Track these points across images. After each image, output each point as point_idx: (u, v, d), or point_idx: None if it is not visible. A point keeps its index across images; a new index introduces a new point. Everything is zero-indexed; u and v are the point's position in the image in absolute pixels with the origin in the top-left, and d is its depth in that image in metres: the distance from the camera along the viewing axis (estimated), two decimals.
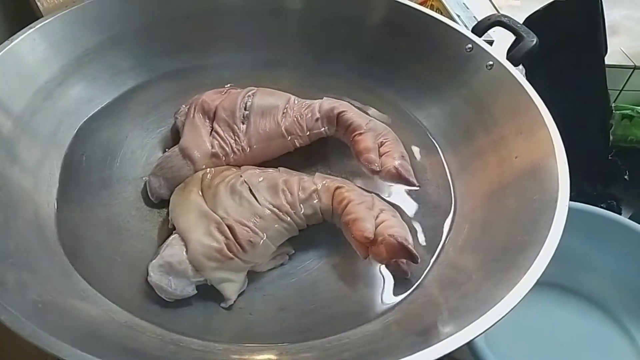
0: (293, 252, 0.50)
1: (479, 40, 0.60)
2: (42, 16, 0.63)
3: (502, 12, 0.94)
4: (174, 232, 0.47)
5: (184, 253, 0.45)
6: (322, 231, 0.51)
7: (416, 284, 0.47)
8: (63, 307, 0.39)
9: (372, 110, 0.64)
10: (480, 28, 0.61)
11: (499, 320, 0.37)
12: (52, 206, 0.49)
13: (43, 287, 0.39)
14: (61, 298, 0.40)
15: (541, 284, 0.40)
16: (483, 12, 0.89)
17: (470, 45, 0.60)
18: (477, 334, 0.37)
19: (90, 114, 0.58)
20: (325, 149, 0.60)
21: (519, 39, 0.60)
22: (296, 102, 0.60)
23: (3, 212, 0.44)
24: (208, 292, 0.45)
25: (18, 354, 0.54)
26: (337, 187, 0.51)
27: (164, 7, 0.64)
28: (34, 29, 0.53)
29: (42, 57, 0.55)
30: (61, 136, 0.55)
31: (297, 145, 0.57)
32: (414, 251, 0.46)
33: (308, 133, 0.58)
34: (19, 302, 0.34)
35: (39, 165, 0.51)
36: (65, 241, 0.47)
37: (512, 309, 0.38)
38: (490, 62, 0.58)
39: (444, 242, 0.51)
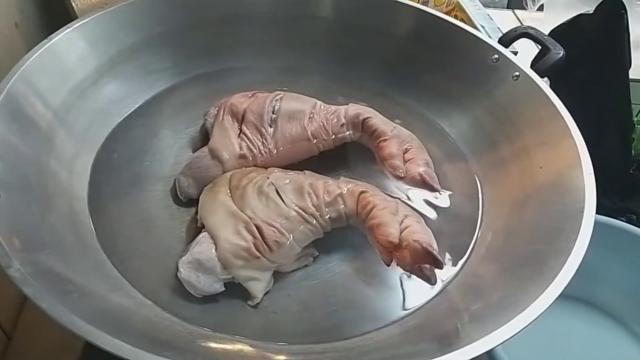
0: (317, 254, 0.51)
1: (506, 51, 0.60)
2: (77, 17, 0.65)
3: (525, 23, 0.94)
4: (203, 230, 0.48)
5: (213, 251, 0.46)
6: (345, 235, 0.52)
7: (439, 290, 0.48)
8: (97, 298, 0.40)
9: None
10: (507, 39, 0.62)
11: (522, 329, 0.38)
12: (84, 201, 0.51)
13: (78, 278, 0.40)
14: (95, 289, 0.41)
15: None
16: (506, 23, 0.89)
17: (496, 56, 0.61)
18: (500, 342, 0.37)
19: (122, 114, 0.60)
20: (349, 154, 0.61)
21: (545, 51, 0.60)
22: (322, 107, 0.61)
23: (39, 205, 0.45)
24: (234, 290, 0.46)
25: (46, 336, 0.55)
26: (362, 192, 0.52)
27: (196, 12, 0.65)
28: (71, 28, 0.55)
29: (78, 56, 0.56)
30: (93, 134, 0.56)
31: (322, 149, 0.58)
32: (439, 257, 0.46)
33: (333, 137, 0.59)
34: (57, 291, 0.35)
35: (73, 161, 0.52)
36: (98, 235, 0.48)
37: (535, 319, 0.38)
38: (517, 73, 0.58)
39: (469, 250, 0.51)
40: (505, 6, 1.10)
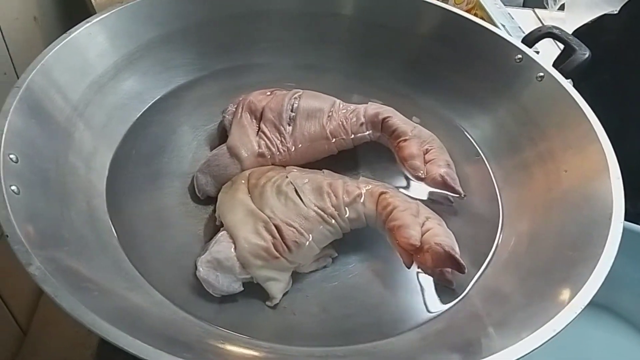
0: (336, 255, 0.50)
1: (530, 51, 0.59)
2: (95, 11, 0.65)
3: (545, 23, 0.93)
4: (221, 228, 0.48)
5: (232, 250, 0.45)
6: (364, 236, 0.51)
7: (462, 296, 0.47)
8: (116, 296, 0.40)
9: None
10: (531, 39, 0.61)
11: (549, 339, 0.37)
12: (102, 197, 0.50)
13: (97, 275, 0.40)
14: (114, 287, 0.41)
15: None
16: (526, 22, 0.88)
17: (520, 56, 0.59)
18: (525, 353, 0.36)
19: (140, 109, 0.60)
20: (368, 154, 0.60)
21: (569, 51, 0.59)
22: (341, 106, 0.60)
23: (58, 201, 0.44)
24: (253, 290, 0.45)
25: (61, 331, 0.55)
26: (382, 193, 0.51)
27: (215, 8, 0.64)
28: (91, 22, 0.54)
29: (97, 51, 0.56)
30: (112, 129, 0.56)
31: (341, 148, 0.58)
32: (461, 261, 0.45)
33: (352, 137, 0.58)
34: (78, 290, 0.35)
35: (91, 156, 0.52)
36: (116, 232, 0.48)
37: (563, 329, 0.37)
38: (541, 74, 0.57)
39: (491, 254, 0.50)
40: (522, 5, 1.09)
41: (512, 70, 0.60)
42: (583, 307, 0.38)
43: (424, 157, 0.57)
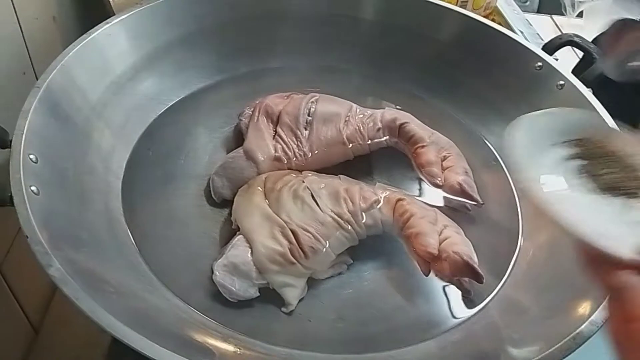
0: (351, 262, 0.50)
1: (550, 59, 0.59)
2: (113, 12, 0.65)
3: (564, 30, 0.92)
4: (238, 232, 0.47)
5: (249, 255, 0.45)
6: (380, 242, 0.50)
7: (480, 306, 0.46)
8: (134, 299, 0.40)
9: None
10: (551, 47, 0.60)
11: (568, 354, 0.36)
12: (119, 198, 0.50)
13: (114, 277, 0.40)
14: (131, 289, 0.41)
15: None
16: (544, 29, 0.87)
17: (540, 64, 0.59)
18: None
19: (157, 111, 0.60)
20: (383, 159, 0.59)
21: (590, 60, 0.58)
22: (358, 110, 0.60)
23: (76, 202, 0.44)
24: (268, 296, 0.45)
25: (73, 330, 0.55)
26: (399, 199, 0.50)
27: (233, 10, 0.64)
28: (111, 23, 0.55)
29: (116, 52, 0.56)
30: (129, 130, 0.56)
31: (357, 153, 0.57)
32: (480, 270, 0.45)
33: (369, 142, 0.58)
34: (96, 292, 0.35)
35: (109, 157, 0.52)
36: (132, 234, 0.48)
37: (583, 343, 0.37)
38: (562, 82, 0.57)
39: (510, 264, 0.50)
40: (536, 10, 1.08)
41: (532, 78, 0.59)
42: (604, 321, 0.37)
43: (442, 164, 0.56)
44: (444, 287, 0.48)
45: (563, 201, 0.31)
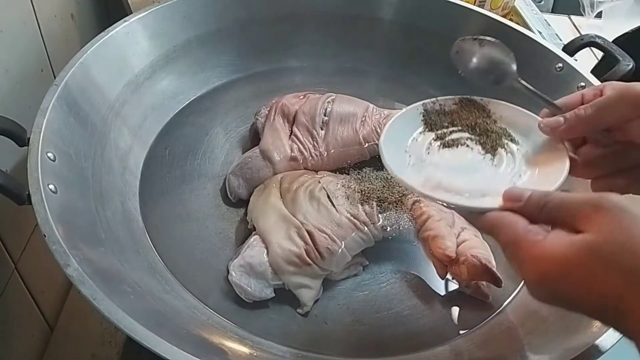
0: (367, 263, 0.49)
1: (571, 60, 0.58)
2: (131, 10, 0.65)
3: (582, 31, 0.91)
4: (254, 232, 0.47)
5: (265, 255, 0.45)
6: (397, 244, 0.50)
7: (498, 310, 0.46)
8: (151, 299, 0.40)
9: None
10: (572, 48, 0.59)
11: None
12: (136, 197, 0.50)
13: (132, 277, 0.40)
14: (149, 289, 0.41)
15: None
16: (562, 29, 0.86)
17: (560, 65, 0.58)
18: None
19: (175, 110, 0.60)
20: None
21: (613, 61, 0.57)
22: (375, 110, 0.59)
23: (94, 201, 0.44)
24: (284, 297, 0.45)
25: (88, 327, 0.55)
26: (415, 201, 0.50)
27: (252, 10, 0.64)
28: (129, 21, 0.55)
29: (134, 50, 0.56)
30: (147, 129, 0.56)
31: (373, 154, 0.57)
32: (498, 274, 0.44)
33: None
34: (114, 292, 0.34)
35: (126, 156, 0.52)
36: (149, 233, 0.48)
37: (605, 352, 0.36)
38: (582, 84, 0.56)
39: None
40: (550, 10, 1.06)
41: (553, 79, 0.58)
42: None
43: None
44: (460, 291, 0.47)
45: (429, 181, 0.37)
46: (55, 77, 0.47)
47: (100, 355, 0.54)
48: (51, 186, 0.39)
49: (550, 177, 0.36)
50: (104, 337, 0.55)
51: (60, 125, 0.44)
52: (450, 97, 0.45)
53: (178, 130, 0.58)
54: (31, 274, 0.51)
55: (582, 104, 0.37)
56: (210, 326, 0.41)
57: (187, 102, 0.61)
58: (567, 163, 0.36)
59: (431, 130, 0.42)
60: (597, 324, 0.38)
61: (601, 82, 0.55)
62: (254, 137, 0.58)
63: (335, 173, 0.55)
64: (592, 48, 0.62)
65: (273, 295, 0.44)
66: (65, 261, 0.34)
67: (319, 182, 0.51)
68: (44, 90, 0.45)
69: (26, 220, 0.48)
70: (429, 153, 0.40)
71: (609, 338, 0.36)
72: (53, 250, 0.34)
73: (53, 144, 0.42)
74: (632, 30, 0.71)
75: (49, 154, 0.41)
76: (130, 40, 0.55)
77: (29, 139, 0.41)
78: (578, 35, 0.61)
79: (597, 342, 0.36)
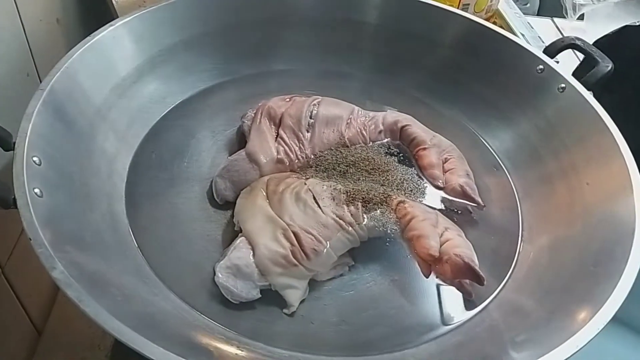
0: (353, 263, 0.50)
1: (551, 62, 0.59)
2: (117, 14, 0.65)
3: (565, 33, 0.92)
4: (240, 234, 0.48)
5: (251, 257, 0.45)
6: (382, 244, 0.51)
7: (480, 308, 0.47)
8: (139, 301, 0.40)
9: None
10: (553, 50, 0.60)
11: (569, 357, 0.36)
12: (123, 201, 0.50)
13: (119, 280, 0.40)
14: (136, 292, 0.41)
15: None
16: (545, 32, 0.87)
17: (541, 67, 0.59)
18: None
19: (161, 113, 0.60)
20: None
21: (592, 63, 0.58)
22: (360, 113, 0.60)
23: (81, 204, 0.45)
24: (270, 297, 0.45)
25: (76, 332, 0.55)
26: (400, 202, 0.51)
27: (238, 14, 0.65)
28: (115, 25, 0.55)
29: (120, 54, 0.56)
30: (133, 133, 0.56)
31: None
32: (481, 273, 0.45)
33: (370, 144, 0.58)
34: (101, 295, 0.35)
35: (113, 159, 0.52)
36: (136, 236, 0.48)
37: (584, 346, 0.37)
38: (563, 85, 0.57)
39: (511, 267, 0.50)
40: (536, 13, 1.08)
41: (534, 81, 0.60)
42: (605, 324, 0.38)
43: (443, 166, 0.57)
44: (445, 289, 0.48)
45: None
46: (40, 82, 0.47)
47: (89, 359, 0.55)
48: (37, 190, 0.39)
49: None
50: (93, 340, 0.55)
51: (46, 130, 0.44)
52: None
53: (165, 133, 0.58)
54: (18, 278, 0.51)
55: None
56: (198, 327, 0.42)
57: (174, 106, 0.61)
58: None
59: None
60: (581, 316, 0.39)
61: (581, 83, 0.57)
62: (241, 140, 0.58)
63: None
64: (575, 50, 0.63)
65: (259, 296, 0.45)
66: (51, 264, 0.34)
67: (305, 183, 0.51)
68: (29, 94, 0.45)
69: (13, 224, 0.48)
70: None
71: (590, 332, 0.37)
72: (39, 253, 0.35)
73: (39, 149, 0.42)
74: (612, 32, 0.73)
75: (35, 158, 0.41)
76: (117, 45, 0.55)
77: (14, 144, 0.41)
78: (561, 37, 0.63)
79: (578, 335, 0.37)
